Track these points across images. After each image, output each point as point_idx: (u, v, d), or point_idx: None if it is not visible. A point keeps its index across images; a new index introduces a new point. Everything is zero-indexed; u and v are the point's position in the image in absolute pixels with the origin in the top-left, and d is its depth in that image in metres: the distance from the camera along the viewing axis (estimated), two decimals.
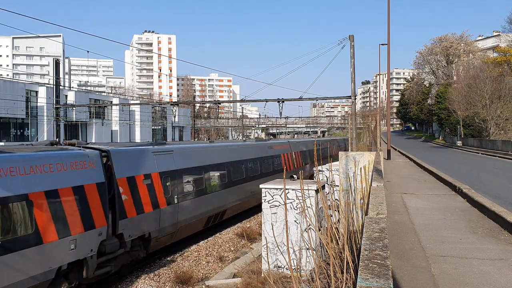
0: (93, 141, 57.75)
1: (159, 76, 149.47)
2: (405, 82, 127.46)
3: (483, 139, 49.27)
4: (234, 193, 17.84)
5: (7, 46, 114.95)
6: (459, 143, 56.12)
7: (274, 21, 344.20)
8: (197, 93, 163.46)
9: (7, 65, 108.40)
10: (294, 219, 8.47)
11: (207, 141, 22.66)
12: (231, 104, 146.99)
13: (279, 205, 8.70)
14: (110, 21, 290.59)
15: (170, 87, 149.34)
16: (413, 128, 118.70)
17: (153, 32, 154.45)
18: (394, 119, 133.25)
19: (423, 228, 7.49)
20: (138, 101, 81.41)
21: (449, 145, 60.07)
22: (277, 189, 8.80)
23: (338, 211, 8.20)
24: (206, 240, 15.21)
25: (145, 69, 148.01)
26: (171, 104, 31.43)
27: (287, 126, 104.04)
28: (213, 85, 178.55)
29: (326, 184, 9.45)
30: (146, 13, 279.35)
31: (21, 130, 49.90)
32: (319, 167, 10.92)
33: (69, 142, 11.91)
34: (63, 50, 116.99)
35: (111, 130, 62.28)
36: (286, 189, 8.43)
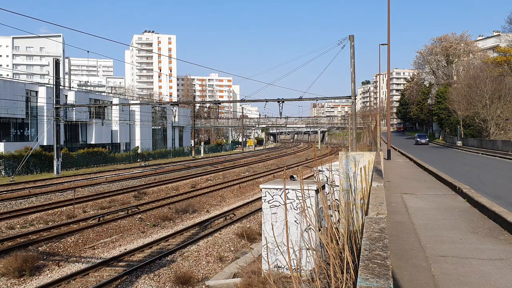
0: (93, 141, 57.75)
1: (159, 76, 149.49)
2: (405, 82, 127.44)
3: (483, 139, 49.27)
4: None
5: (7, 46, 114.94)
6: (459, 143, 56.11)
7: (274, 21, 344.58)
8: (197, 93, 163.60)
9: (7, 65, 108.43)
10: (294, 219, 8.46)
11: None
12: (231, 104, 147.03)
13: (279, 205, 8.69)
14: (110, 21, 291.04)
15: (170, 87, 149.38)
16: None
17: (153, 32, 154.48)
18: (394, 119, 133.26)
19: (423, 228, 7.48)
20: (138, 101, 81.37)
21: (449, 145, 60.05)
22: (277, 189, 8.78)
23: (338, 211, 8.19)
24: (206, 240, 15.21)
25: (145, 69, 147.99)
26: (171, 104, 31.43)
27: (287, 126, 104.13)
28: (213, 85, 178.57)
29: (326, 184, 9.44)
30: (146, 13, 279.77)
31: (21, 130, 49.89)
32: (319, 167, 10.92)
33: None
34: (63, 50, 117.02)
35: (111, 130, 62.31)
36: (286, 189, 8.42)
